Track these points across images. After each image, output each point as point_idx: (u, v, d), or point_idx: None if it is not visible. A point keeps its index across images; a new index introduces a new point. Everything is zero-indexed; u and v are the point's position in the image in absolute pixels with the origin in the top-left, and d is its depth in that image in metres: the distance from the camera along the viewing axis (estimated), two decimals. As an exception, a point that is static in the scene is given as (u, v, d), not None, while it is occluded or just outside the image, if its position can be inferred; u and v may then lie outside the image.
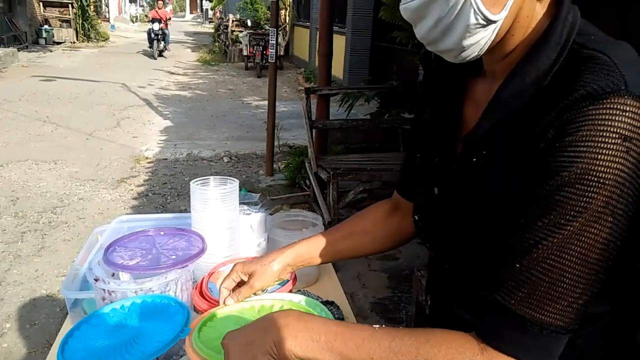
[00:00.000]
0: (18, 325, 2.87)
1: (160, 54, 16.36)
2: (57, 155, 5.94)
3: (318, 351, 0.70)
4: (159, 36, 16.03)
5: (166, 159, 6.12)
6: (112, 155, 6.11)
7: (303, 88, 4.17)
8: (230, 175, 5.40)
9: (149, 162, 5.98)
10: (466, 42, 0.70)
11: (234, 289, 1.04)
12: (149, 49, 16.67)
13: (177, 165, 5.87)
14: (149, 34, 16.17)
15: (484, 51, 0.73)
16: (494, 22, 0.68)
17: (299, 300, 1.07)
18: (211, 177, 1.33)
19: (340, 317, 1.36)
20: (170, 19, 16.81)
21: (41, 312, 2.98)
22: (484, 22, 0.68)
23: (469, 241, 0.78)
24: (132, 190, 5.09)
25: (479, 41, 0.70)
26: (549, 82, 0.68)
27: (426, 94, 0.96)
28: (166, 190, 5.09)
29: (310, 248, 1.08)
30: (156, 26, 15.88)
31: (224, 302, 1.03)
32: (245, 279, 1.04)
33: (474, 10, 0.67)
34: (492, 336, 0.67)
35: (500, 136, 0.72)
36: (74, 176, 5.35)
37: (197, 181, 1.30)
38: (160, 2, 16.91)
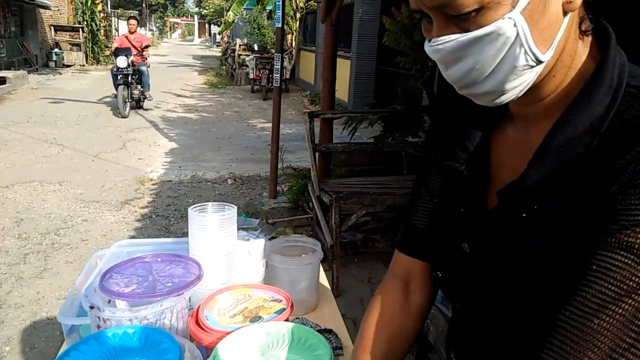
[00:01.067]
0: (18, 348, 2.85)
1: (138, 105, 10.44)
2: (62, 177, 5.99)
3: None
4: (129, 77, 9.53)
5: (170, 180, 6.14)
6: (117, 177, 6.14)
7: (307, 111, 4.21)
8: (233, 198, 5.40)
9: (153, 184, 6.00)
10: (509, 85, 0.64)
11: None
12: (113, 98, 10.56)
13: (181, 187, 5.89)
14: (113, 75, 9.62)
15: (522, 93, 0.67)
16: (543, 62, 0.63)
17: (297, 330, 1.06)
18: (209, 204, 1.33)
19: (338, 345, 1.34)
20: (147, 47, 10.21)
21: (41, 335, 2.96)
22: (534, 63, 0.62)
23: (509, 297, 0.72)
24: (135, 212, 5.10)
25: (522, 83, 0.65)
26: (607, 129, 0.62)
27: (439, 134, 0.88)
28: (170, 212, 5.09)
29: None
30: (122, 62, 9.29)
31: None
32: None
33: (525, 51, 0.61)
34: None
35: (553, 188, 0.66)
36: (78, 198, 5.37)
37: (195, 207, 1.30)
38: (132, 21, 10.19)
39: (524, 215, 0.69)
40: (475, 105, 0.71)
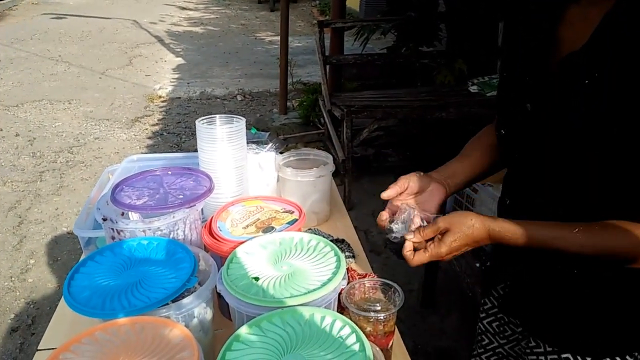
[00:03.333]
0: (42, 261, 2.97)
1: None
2: (71, 95, 5.93)
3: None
4: None
5: (179, 97, 6.07)
6: (125, 94, 6.07)
7: (318, 20, 4.01)
8: (243, 114, 5.38)
9: (162, 101, 5.94)
10: None
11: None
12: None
13: (191, 104, 5.82)
14: None
15: None
16: None
17: (309, 239, 1.06)
18: (217, 116, 1.29)
19: (351, 254, 1.36)
20: None
21: (63, 249, 3.08)
22: None
23: (565, 148, 0.86)
24: (146, 129, 5.09)
25: None
26: None
27: (515, 15, 0.99)
28: (180, 129, 5.08)
29: (466, 173, 1.12)
30: None
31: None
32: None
33: None
34: None
35: (613, 59, 0.77)
36: (88, 116, 5.35)
37: (203, 120, 1.27)
38: None
39: (587, 81, 0.80)
40: None
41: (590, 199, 0.87)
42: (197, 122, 1.26)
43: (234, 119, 1.29)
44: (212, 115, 1.29)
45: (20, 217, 3.41)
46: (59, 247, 3.10)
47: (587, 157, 0.83)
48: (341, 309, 1.03)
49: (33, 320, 2.52)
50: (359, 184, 3.85)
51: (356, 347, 0.78)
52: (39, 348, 1.10)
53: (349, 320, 0.83)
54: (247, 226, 1.16)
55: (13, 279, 2.81)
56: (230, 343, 0.79)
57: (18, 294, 2.70)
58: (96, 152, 4.47)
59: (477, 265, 2.13)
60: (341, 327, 0.82)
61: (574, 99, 0.83)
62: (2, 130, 4.86)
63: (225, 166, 1.27)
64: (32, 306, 2.62)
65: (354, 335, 0.80)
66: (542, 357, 1.03)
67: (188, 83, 6.64)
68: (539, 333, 1.04)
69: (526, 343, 1.09)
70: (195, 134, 4.79)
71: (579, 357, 0.98)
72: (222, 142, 1.25)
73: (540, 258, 0.97)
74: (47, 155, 4.38)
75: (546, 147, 0.90)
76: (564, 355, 0.99)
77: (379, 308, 0.99)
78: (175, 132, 5.02)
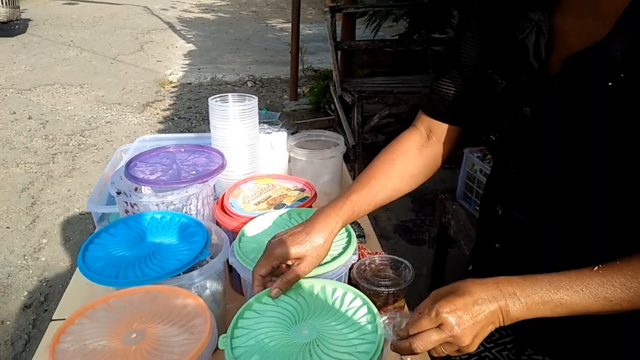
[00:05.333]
0: (55, 240, 3.01)
1: None
2: (83, 79, 5.96)
3: (549, 310, 0.69)
4: None
5: (190, 83, 6.08)
6: (136, 79, 6.09)
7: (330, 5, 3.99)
8: (254, 99, 5.28)
9: (173, 86, 5.96)
10: None
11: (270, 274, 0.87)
12: None
13: (202, 90, 5.83)
14: None
15: None
16: None
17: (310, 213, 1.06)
18: (230, 94, 1.30)
19: (361, 233, 1.37)
20: None
21: (75, 229, 3.11)
22: None
23: (567, 157, 0.76)
24: (157, 114, 5.11)
25: None
26: None
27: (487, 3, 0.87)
28: (191, 115, 5.09)
29: (353, 213, 0.94)
30: None
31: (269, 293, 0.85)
32: (288, 263, 0.88)
33: None
34: None
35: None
36: (100, 100, 5.38)
37: (216, 97, 1.28)
38: None
39: (610, 84, 0.68)
40: None
41: (596, 213, 0.76)
42: (209, 99, 1.26)
43: (247, 97, 1.29)
44: (225, 94, 1.29)
45: (33, 198, 3.45)
46: (71, 227, 3.14)
47: (596, 167, 0.72)
48: (352, 284, 1.04)
49: (46, 297, 2.56)
50: (368, 170, 3.85)
51: (367, 318, 0.79)
52: (53, 318, 1.12)
53: (361, 293, 0.84)
54: (259, 203, 1.17)
55: (26, 257, 2.86)
56: (243, 311, 0.81)
57: (31, 272, 2.74)
58: (107, 136, 4.50)
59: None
60: (352, 299, 0.83)
61: (588, 103, 0.72)
62: (15, 113, 4.90)
63: (238, 144, 1.27)
64: (44, 284, 2.66)
65: (365, 307, 0.81)
66: None
67: (199, 69, 6.65)
68: (535, 344, 0.93)
69: (518, 349, 0.98)
70: (205, 119, 4.77)
71: None
72: (234, 120, 1.25)
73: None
74: (60, 138, 4.41)
75: (548, 154, 0.79)
76: None
77: (389, 283, 0.99)
78: (186, 117, 5.04)
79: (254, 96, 1.30)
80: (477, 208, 1.91)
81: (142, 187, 1.15)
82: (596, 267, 0.70)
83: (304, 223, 0.90)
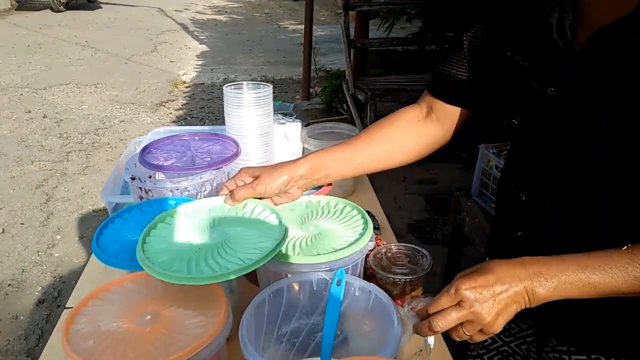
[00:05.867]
0: (68, 237, 3.03)
1: None
2: (97, 79, 6.01)
3: (577, 290, 0.67)
4: None
5: (203, 83, 6.10)
6: (150, 80, 6.13)
7: (341, 7, 3.97)
8: (266, 98, 5.24)
9: (186, 87, 5.98)
10: None
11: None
12: None
13: (214, 90, 5.85)
14: None
15: None
16: None
17: (336, 202, 1.04)
18: (244, 82, 1.29)
19: (376, 226, 1.35)
20: None
21: (88, 225, 3.13)
22: None
23: (595, 139, 0.73)
24: (170, 113, 5.13)
25: None
26: None
27: None
28: (204, 114, 5.11)
29: (326, 160, 0.95)
30: None
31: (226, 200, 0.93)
32: (248, 181, 0.93)
33: None
34: None
35: None
36: (114, 99, 5.42)
37: (231, 85, 1.27)
38: None
39: (636, 59, 0.65)
40: None
41: (607, 195, 0.74)
42: (224, 87, 1.25)
43: (261, 85, 1.28)
44: (240, 82, 1.28)
45: (47, 195, 3.47)
46: (84, 224, 3.15)
47: (626, 150, 0.70)
48: (368, 273, 1.02)
49: (59, 293, 2.57)
50: (381, 169, 3.82)
51: (275, 223, 0.86)
52: (66, 306, 1.11)
53: (270, 204, 0.92)
54: (273, 191, 1.15)
55: (40, 253, 2.87)
56: (155, 223, 0.87)
57: (45, 267, 2.76)
58: (121, 135, 4.52)
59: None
60: (262, 210, 0.91)
61: (611, 80, 0.69)
62: (30, 112, 4.95)
63: (252, 131, 1.26)
64: (58, 280, 2.67)
65: (274, 215, 0.89)
66: (566, 357, 0.89)
67: (212, 69, 6.67)
68: (560, 334, 0.90)
69: (540, 342, 0.95)
70: (218, 119, 4.77)
71: None
72: (249, 107, 1.24)
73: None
74: (74, 136, 4.45)
75: (578, 136, 0.76)
76: (594, 356, 0.85)
77: (406, 271, 0.97)
78: (199, 116, 5.05)
79: (268, 84, 1.29)
80: (493, 205, 1.88)
81: (157, 174, 1.14)
82: (625, 247, 0.67)
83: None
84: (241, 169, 0.96)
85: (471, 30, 0.92)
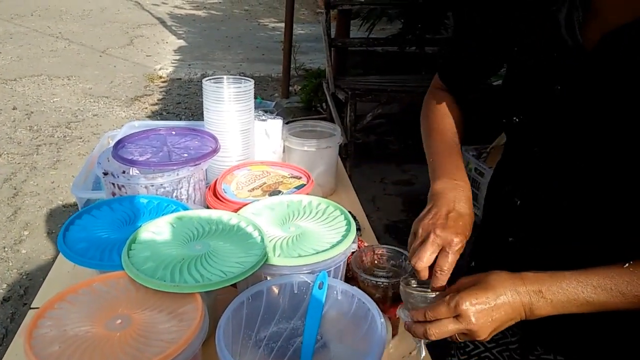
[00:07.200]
0: (36, 233, 2.92)
1: None
2: (70, 71, 5.85)
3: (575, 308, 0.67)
4: None
5: (180, 78, 5.99)
6: (125, 73, 5.99)
7: (322, 9, 3.94)
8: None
9: (162, 82, 5.87)
10: None
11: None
12: None
13: (191, 86, 5.75)
14: None
15: None
16: None
17: (318, 202, 1.01)
18: (225, 76, 1.25)
19: (357, 227, 1.32)
20: None
21: (58, 221, 3.02)
22: None
23: (599, 139, 0.71)
24: (146, 108, 5.02)
25: None
26: None
27: None
28: (180, 110, 5.01)
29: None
30: None
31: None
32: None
33: None
34: None
35: None
36: (87, 92, 5.28)
37: (210, 79, 1.22)
38: None
39: None
40: None
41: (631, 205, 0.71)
42: (204, 81, 1.21)
43: (242, 80, 1.24)
44: (220, 76, 1.24)
45: (15, 189, 3.35)
46: (54, 220, 3.05)
47: (627, 150, 0.69)
48: (349, 275, 1.00)
49: (25, 290, 2.47)
50: (359, 169, 3.80)
51: (258, 239, 0.86)
52: (32, 306, 1.05)
53: (253, 221, 0.90)
54: (253, 189, 1.12)
55: (6, 249, 2.76)
56: (140, 232, 0.85)
57: (11, 264, 2.65)
58: (94, 129, 4.40)
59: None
60: (246, 226, 0.90)
61: (624, 82, 0.68)
62: (-1, 103, 4.79)
63: (232, 127, 1.22)
64: (24, 277, 2.57)
65: (256, 231, 0.88)
66: None
67: (189, 65, 6.56)
68: (546, 342, 0.89)
69: (524, 349, 0.94)
70: (195, 115, 4.68)
71: None
72: (229, 103, 1.20)
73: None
74: (45, 129, 4.31)
75: (581, 136, 0.74)
76: None
77: (389, 274, 0.95)
78: (175, 112, 4.96)
79: (249, 79, 1.25)
80: (475, 204, 1.87)
81: (131, 169, 1.09)
82: (626, 265, 0.66)
83: (432, 200, 0.83)
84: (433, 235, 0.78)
85: (477, 25, 0.93)
